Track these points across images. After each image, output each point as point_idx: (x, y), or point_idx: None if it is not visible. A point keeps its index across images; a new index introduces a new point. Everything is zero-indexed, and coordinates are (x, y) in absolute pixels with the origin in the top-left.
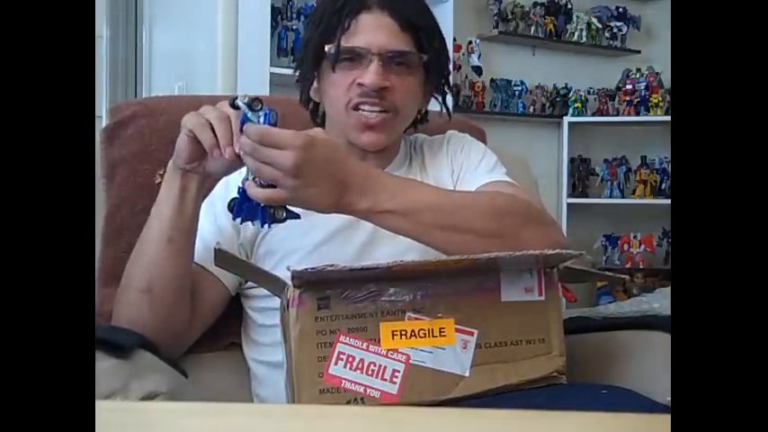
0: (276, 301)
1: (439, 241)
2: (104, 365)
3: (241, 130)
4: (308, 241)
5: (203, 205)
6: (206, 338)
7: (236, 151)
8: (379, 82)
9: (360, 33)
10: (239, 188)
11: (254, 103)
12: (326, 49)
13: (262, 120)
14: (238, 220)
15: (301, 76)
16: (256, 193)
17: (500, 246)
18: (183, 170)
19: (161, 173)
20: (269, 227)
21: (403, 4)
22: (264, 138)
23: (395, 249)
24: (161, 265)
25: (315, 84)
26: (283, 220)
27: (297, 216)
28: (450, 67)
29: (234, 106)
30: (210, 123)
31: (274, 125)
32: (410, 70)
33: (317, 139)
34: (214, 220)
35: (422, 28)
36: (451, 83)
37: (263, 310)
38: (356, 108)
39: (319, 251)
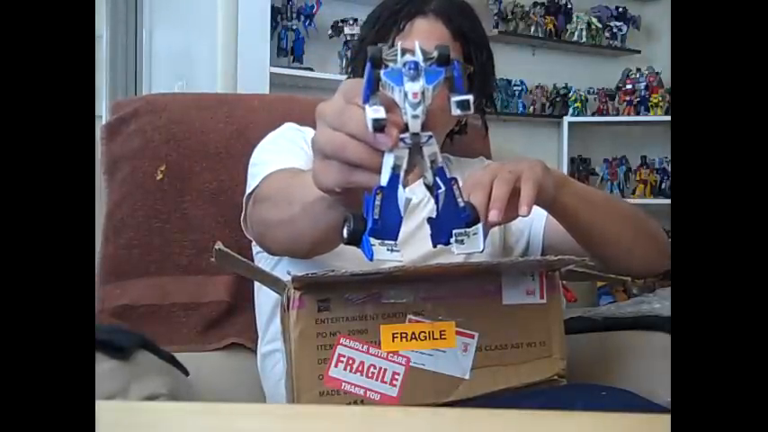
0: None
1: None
2: (104, 367)
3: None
4: None
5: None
6: (206, 338)
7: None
8: None
9: (412, 36)
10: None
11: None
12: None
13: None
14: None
15: (353, 73)
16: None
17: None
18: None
19: (162, 169)
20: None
21: (457, 15)
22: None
23: (419, 252)
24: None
25: None
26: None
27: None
28: (495, 83)
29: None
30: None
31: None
32: None
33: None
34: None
35: (472, 40)
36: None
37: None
38: None
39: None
